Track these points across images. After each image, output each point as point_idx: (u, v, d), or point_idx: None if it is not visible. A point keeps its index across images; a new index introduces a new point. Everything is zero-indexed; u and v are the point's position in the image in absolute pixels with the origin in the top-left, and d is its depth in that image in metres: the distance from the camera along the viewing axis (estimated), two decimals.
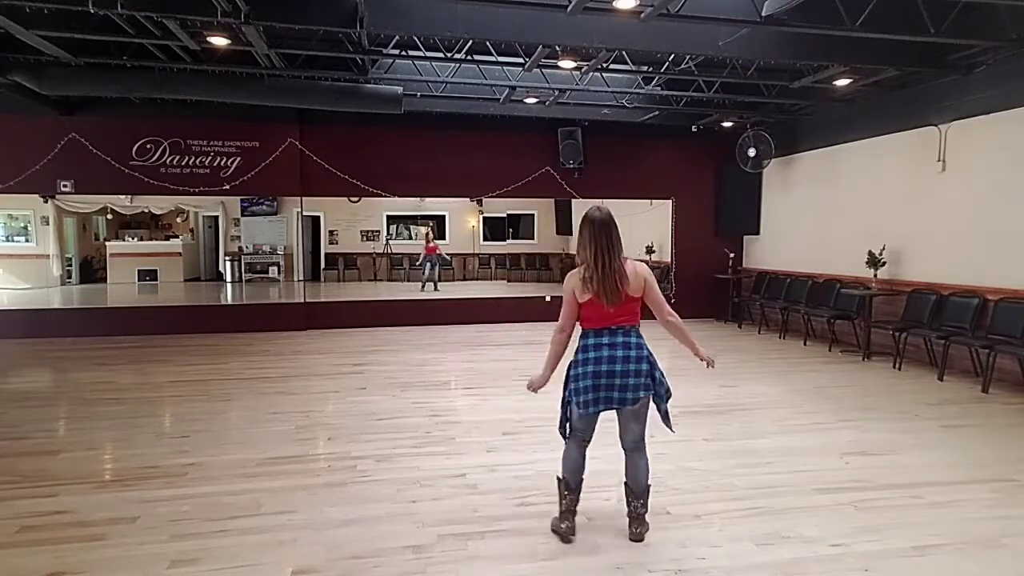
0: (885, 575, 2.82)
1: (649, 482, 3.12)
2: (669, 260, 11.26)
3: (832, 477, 3.91)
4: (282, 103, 8.41)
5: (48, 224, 14.35)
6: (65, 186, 9.17)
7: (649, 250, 12.59)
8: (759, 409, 5.52)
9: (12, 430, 4.83)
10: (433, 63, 7.44)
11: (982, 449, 4.46)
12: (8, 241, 14.63)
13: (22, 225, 14.62)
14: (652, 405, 3.09)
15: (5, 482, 3.78)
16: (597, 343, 3.00)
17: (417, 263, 15.35)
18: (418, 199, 14.82)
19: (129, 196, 14.17)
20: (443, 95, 8.46)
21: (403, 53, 7.05)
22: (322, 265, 16.90)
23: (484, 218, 17.33)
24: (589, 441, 3.16)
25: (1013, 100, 6.35)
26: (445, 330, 9.71)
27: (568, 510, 3.12)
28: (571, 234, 16.85)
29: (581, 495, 3.16)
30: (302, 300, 10.52)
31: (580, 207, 15.14)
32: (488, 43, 6.76)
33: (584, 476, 3.16)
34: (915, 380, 6.60)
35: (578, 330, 3.16)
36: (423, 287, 13.97)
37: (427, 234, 15.77)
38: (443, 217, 17.32)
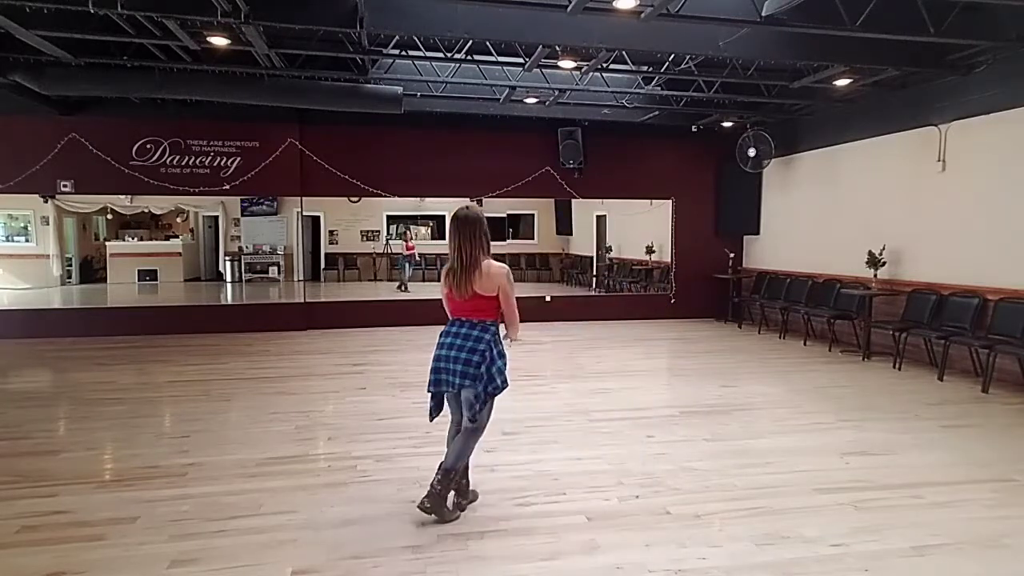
0: (885, 575, 2.82)
1: (457, 467, 3.26)
2: (669, 260, 11.27)
3: (832, 477, 3.91)
4: (282, 103, 8.41)
5: (48, 224, 14.36)
6: (65, 186, 9.17)
7: (649, 250, 12.60)
8: (759, 409, 5.52)
9: (12, 430, 4.83)
10: (433, 63, 7.44)
11: (982, 449, 4.46)
12: (8, 241, 14.63)
13: (22, 225, 14.62)
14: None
15: (5, 482, 3.78)
16: (446, 331, 3.29)
17: (397, 265, 15.43)
18: (418, 199, 14.82)
19: (129, 196, 14.17)
20: (443, 95, 8.46)
21: (403, 53, 7.05)
22: (322, 265, 16.91)
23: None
24: (455, 422, 3.40)
25: (1013, 100, 6.35)
26: None
27: (457, 490, 3.36)
28: (571, 234, 16.89)
29: (585, 493, 3.19)
30: (302, 300, 10.52)
31: (580, 207, 15.22)
32: (488, 43, 6.75)
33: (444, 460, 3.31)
34: (915, 380, 6.60)
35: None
36: (402, 287, 14.06)
37: (405, 233, 15.83)
38: (443, 217, 17.30)
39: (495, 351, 3.24)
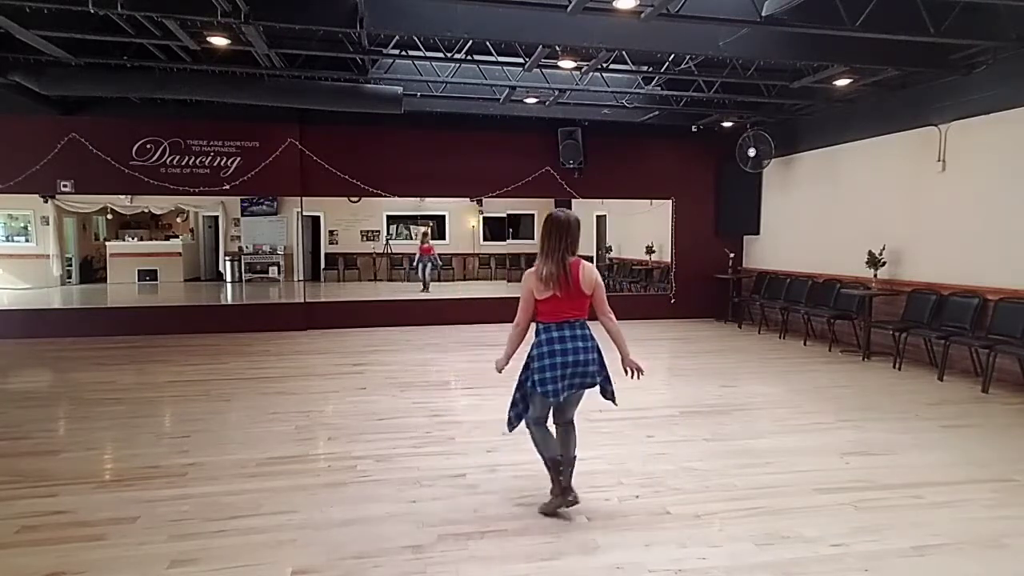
0: (885, 575, 2.82)
1: (575, 453, 3.38)
2: (669, 260, 11.26)
3: (832, 477, 3.90)
4: (282, 103, 8.41)
5: (48, 224, 14.36)
6: (65, 186, 9.17)
7: (649, 250, 12.60)
8: (759, 409, 5.51)
9: (12, 430, 4.83)
10: (433, 63, 7.44)
11: (982, 449, 4.46)
12: (8, 241, 14.63)
13: (22, 225, 14.62)
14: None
15: (5, 482, 3.78)
16: (560, 335, 3.24)
17: (413, 264, 15.40)
18: (418, 199, 14.82)
19: (129, 196, 14.17)
20: (443, 95, 8.46)
21: (403, 53, 7.04)
22: (322, 265, 16.90)
23: (484, 218, 17.34)
24: (556, 421, 3.44)
25: (1013, 100, 6.35)
26: (445, 330, 9.71)
27: (559, 487, 3.35)
28: None
29: (585, 493, 3.20)
30: (302, 300, 10.52)
31: (580, 207, 15.20)
32: (488, 43, 6.75)
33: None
34: (915, 380, 6.60)
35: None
36: (425, 287, 14.02)
37: (424, 234, 15.80)
38: (443, 217, 17.33)
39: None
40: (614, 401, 3.43)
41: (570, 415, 3.40)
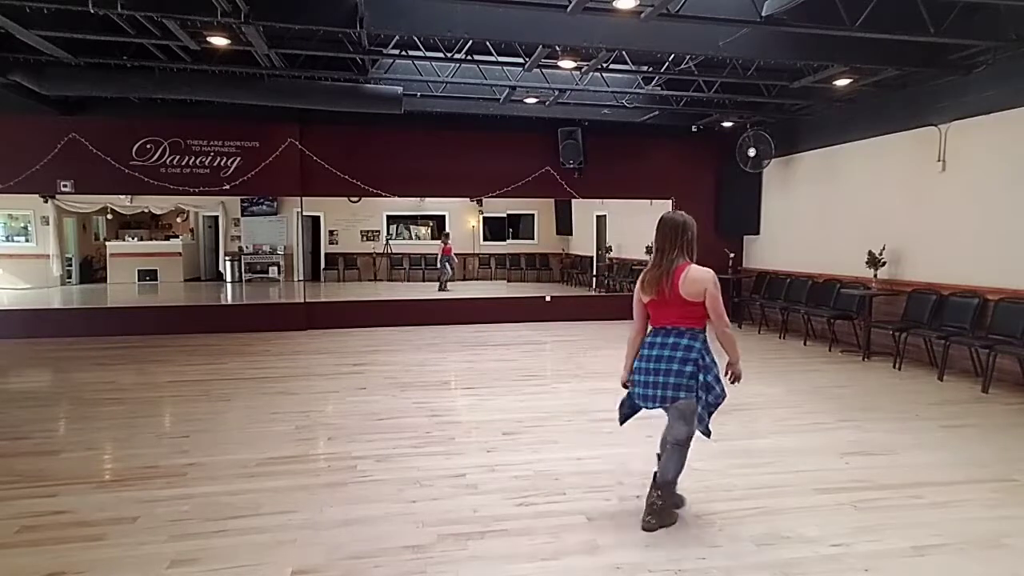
0: (885, 575, 2.82)
1: (676, 480, 3.23)
2: None
3: (832, 477, 3.90)
4: (282, 103, 8.41)
5: (48, 224, 14.35)
6: (65, 186, 9.17)
7: (649, 250, 12.56)
8: (759, 409, 5.51)
9: (12, 430, 4.83)
10: (433, 63, 7.44)
11: (982, 449, 4.46)
12: (8, 241, 14.63)
13: (22, 225, 14.62)
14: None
15: (5, 482, 3.79)
16: (651, 341, 3.15)
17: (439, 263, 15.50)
18: (418, 199, 14.82)
19: (129, 196, 14.16)
20: (443, 95, 8.46)
21: (403, 53, 7.04)
22: (322, 265, 16.90)
23: (484, 218, 17.32)
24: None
25: (1013, 100, 6.35)
26: (445, 330, 9.71)
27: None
28: (571, 234, 16.89)
29: (585, 493, 3.17)
30: (302, 300, 10.51)
31: (580, 207, 15.21)
32: (488, 43, 6.75)
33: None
34: (915, 380, 6.60)
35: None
36: (441, 287, 14.13)
37: (445, 235, 15.87)
38: (443, 217, 17.30)
39: (708, 359, 3.07)
40: (706, 433, 3.13)
41: (675, 435, 3.15)
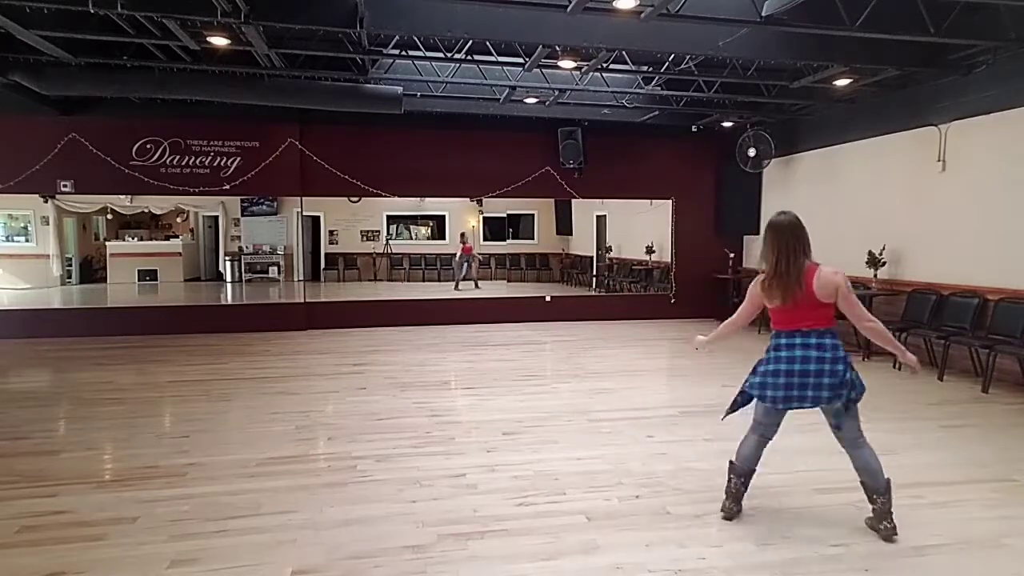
0: (885, 575, 2.82)
1: (882, 475, 3.13)
2: (669, 260, 11.26)
3: (832, 477, 3.89)
4: (282, 103, 8.41)
5: (48, 224, 14.34)
6: (65, 186, 9.17)
7: (649, 250, 12.59)
8: None
9: (12, 430, 4.83)
10: (433, 63, 7.44)
11: (982, 449, 4.46)
12: (8, 241, 14.62)
13: (22, 225, 14.61)
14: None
15: (5, 482, 3.79)
16: (789, 343, 3.11)
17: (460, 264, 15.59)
18: (418, 199, 14.82)
19: (129, 196, 14.15)
20: (443, 95, 8.46)
21: (403, 53, 7.04)
22: (322, 265, 16.89)
23: (484, 218, 17.31)
24: (768, 437, 3.29)
25: (1013, 100, 6.35)
26: (445, 330, 9.71)
27: (730, 493, 3.31)
28: (571, 234, 16.88)
29: (585, 493, 3.16)
30: (302, 300, 10.51)
31: (580, 207, 15.21)
32: (488, 43, 6.75)
33: (756, 469, 3.33)
34: (915, 380, 6.59)
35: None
36: (461, 285, 14.26)
37: (463, 234, 15.91)
38: (443, 217, 17.30)
39: (849, 356, 3.12)
40: (842, 429, 3.16)
41: (846, 435, 3.14)
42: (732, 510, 3.32)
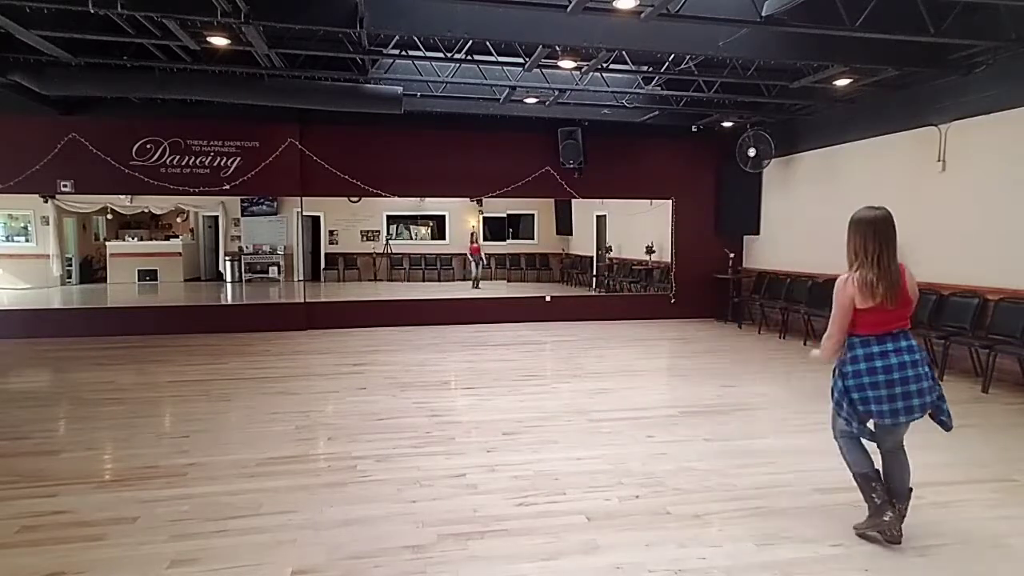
0: (885, 575, 2.82)
1: (911, 485, 3.07)
2: (669, 260, 11.26)
3: (832, 477, 3.89)
4: (282, 103, 8.41)
5: (48, 224, 14.34)
6: (65, 186, 9.17)
7: (649, 250, 12.59)
8: (759, 409, 5.52)
9: (12, 430, 4.83)
10: (433, 63, 7.44)
11: (982, 449, 4.46)
12: (8, 241, 14.61)
13: (22, 225, 14.61)
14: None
15: (5, 482, 3.78)
16: (884, 350, 2.90)
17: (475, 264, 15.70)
18: (418, 199, 14.83)
19: (129, 196, 14.14)
20: (443, 95, 8.46)
21: (403, 53, 7.04)
22: (322, 265, 16.89)
23: (484, 218, 17.31)
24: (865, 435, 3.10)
25: (1013, 100, 6.35)
26: (445, 330, 9.71)
27: (885, 502, 3.02)
28: (571, 234, 16.88)
29: (585, 493, 3.15)
30: (302, 300, 10.51)
31: (580, 207, 15.22)
32: (488, 43, 6.75)
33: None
34: None
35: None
36: (476, 285, 14.47)
37: (472, 235, 15.96)
38: (443, 217, 17.30)
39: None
40: (947, 425, 3.03)
41: (899, 438, 3.04)
42: (894, 522, 3.02)
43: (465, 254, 17.24)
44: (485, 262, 15.44)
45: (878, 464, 3.10)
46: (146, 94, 7.96)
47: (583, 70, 7.19)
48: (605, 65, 7.18)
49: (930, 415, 3.02)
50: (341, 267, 16.88)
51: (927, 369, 2.94)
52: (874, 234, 2.90)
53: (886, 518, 3.00)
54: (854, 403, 2.95)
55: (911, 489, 3.09)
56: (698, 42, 6.29)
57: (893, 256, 2.88)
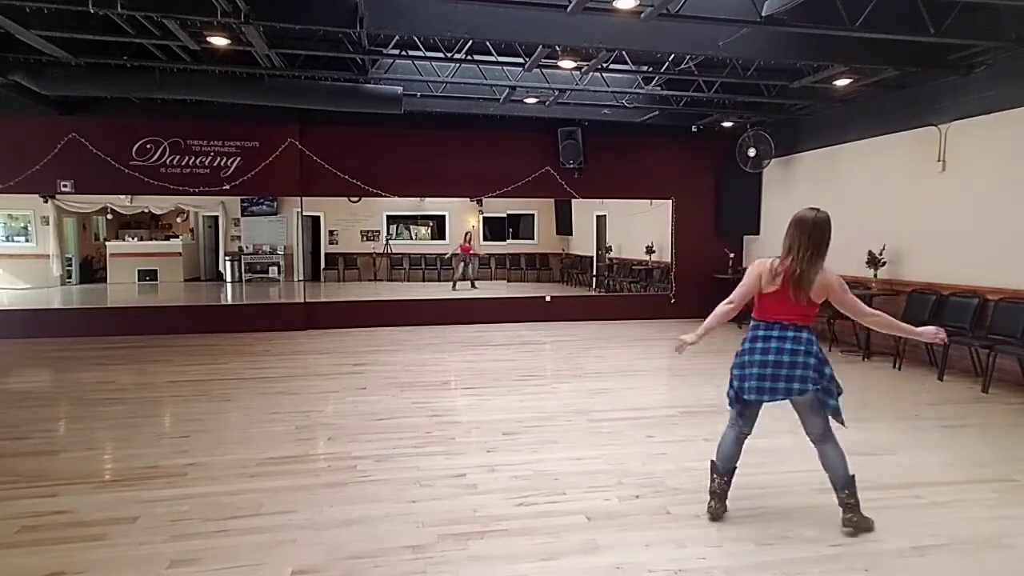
0: (885, 575, 2.82)
1: (851, 472, 3.17)
2: (669, 260, 11.26)
3: None
4: (282, 103, 8.41)
5: (48, 224, 14.33)
6: (65, 186, 9.17)
7: (649, 250, 12.59)
8: None
9: (12, 430, 4.83)
10: (433, 63, 7.44)
11: (982, 449, 4.46)
12: (8, 241, 14.61)
13: (22, 225, 14.61)
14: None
15: (5, 482, 3.78)
16: (767, 335, 3.11)
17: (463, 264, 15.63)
18: (418, 199, 14.83)
19: (129, 196, 14.14)
20: (443, 95, 8.46)
21: (403, 53, 7.05)
22: (322, 265, 16.89)
23: (484, 218, 17.31)
24: (746, 432, 3.31)
25: (1013, 100, 6.35)
26: (445, 330, 9.71)
27: (715, 493, 3.31)
28: (571, 234, 16.88)
29: (585, 493, 3.15)
30: (302, 300, 10.51)
31: (580, 207, 15.22)
32: (488, 43, 6.76)
33: (737, 466, 3.35)
34: (915, 380, 6.60)
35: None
36: (455, 286, 14.26)
37: (466, 235, 15.95)
38: (443, 217, 17.30)
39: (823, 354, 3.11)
40: (840, 420, 3.18)
41: (813, 430, 3.19)
42: (718, 510, 3.31)
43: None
44: (475, 264, 15.34)
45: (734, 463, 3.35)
46: (146, 94, 7.95)
47: (583, 70, 7.20)
48: (605, 65, 7.18)
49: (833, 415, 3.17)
50: (341, 267, 16.88)
51: (812, 360, 3.04)
52: (809, 235, 3.03)
53: (710, 504, 3.31)
54: (732, 377, 3.22)
55: (852, 476, 3.19)
56: (698, 42, 6.29)
57: (820, 258, 3.02)
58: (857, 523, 3.14)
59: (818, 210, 3.08)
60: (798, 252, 3.01)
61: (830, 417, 3.17)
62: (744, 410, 3.26)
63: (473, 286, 14.26)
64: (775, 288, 3.07)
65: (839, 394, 3.15)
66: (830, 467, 3.20)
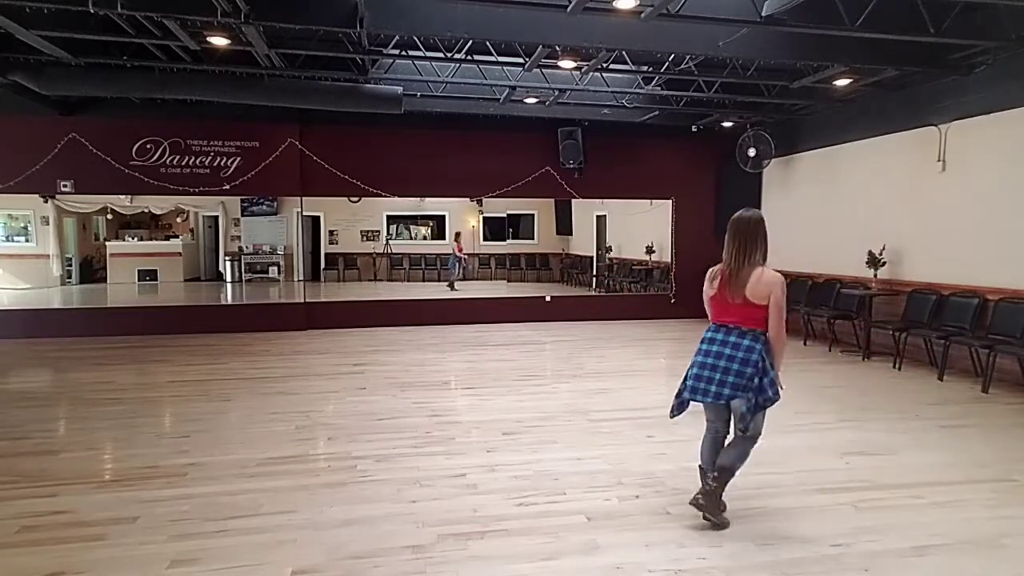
0: (885, 575, 2.82)
1: (734, 468, 3.18)
2: (669, 260, 11.26)
3: (832, 477, 3.90)
4: (282, 103, 8.41)
5: (48, 224, 14.34)
6: (65, 186, 9.17)
7: (649, 250, 12.59)
8: None
9: (12, 430, 4.83)
10: (433, 63, 7.44)
11: (982, 449, 4.46)
12: (8, 241, 14.62)
13: (22, 225, 14.61)
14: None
15: (5, 482, 3.78)
16: (712, 337, 3.19)
17: (447, 264, 15.63)
18: (418, 199, 14.84)
19: (129, 196, 14.15)
20: (443, 95, 8.46)
21: (403, 53, 7.05)
22: (322, 265, 16.89)
23: (484, 218, 17.31)
24: (723, 432, 3.31)
25: (1013, 100, 6.34)
26: (445, 330, 9.71)
27: (707, 492, 3.22)
28: (571, 234, 16.89)
29: (585, 493, 3.15)
30: (302, 300, 10.51)
31: (580, 207, 15.23)
32: (488, 43, 6.76)
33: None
34: (915, 380, 6.60)
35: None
36: (451, 286, 14.30)
37: (457, 235, 15.97)
38: (443, 217, 17.30)
39: (768, 361, 3.07)
40: (744, 431, 3.12)
41: (739, 427, 3.16)
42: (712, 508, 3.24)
43: (464, 255, 17.26)
44: (466, 264, 15.36)
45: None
46: (146, 94, 7.96)
47: (583, 70, 7.20)
48: (605, 65, 7.18)
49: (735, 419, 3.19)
50: (341, 267, 16.89)
51: (748, 370, 3.02)
52: (735, 234, 3.15)
53: (701, 501, 3.22)
54: (686, 375, 3.25)
55: (728, 470, 3.19)
56: (698, 42, 6.29)
57: (749, 255, 3.08)
58: (706, 507, 3.16)
59: (749, 209, 3.19)
60: (730, 251, 3.13)
61: (738, 421, 3.15)
62: (706, 412, 3.30)
63: (452, 287, 14.18)
64: (714, 292, 3.21)
65: (774, 401, 3.09)
66: (725, 455, 3.21)
